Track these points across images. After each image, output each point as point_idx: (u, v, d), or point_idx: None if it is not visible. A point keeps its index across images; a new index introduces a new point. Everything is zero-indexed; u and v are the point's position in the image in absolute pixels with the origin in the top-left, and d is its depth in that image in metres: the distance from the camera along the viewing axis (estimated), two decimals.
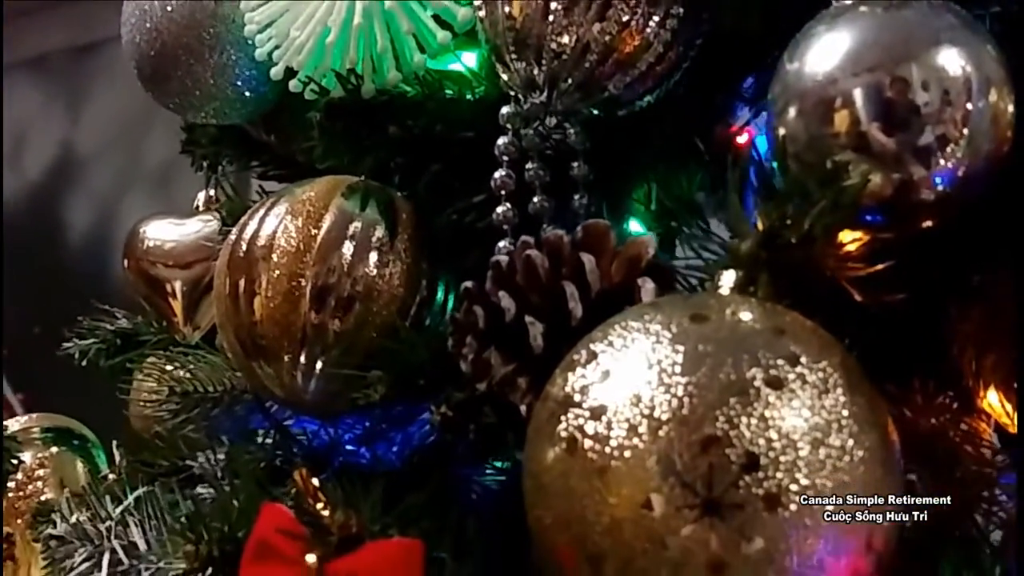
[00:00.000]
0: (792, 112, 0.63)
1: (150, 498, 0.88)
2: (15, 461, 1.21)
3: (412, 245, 0.83)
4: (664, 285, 0.68)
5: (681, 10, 0.74)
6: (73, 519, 0.89)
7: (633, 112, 0.79)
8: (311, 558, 0.66)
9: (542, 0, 0.73)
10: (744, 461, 0.50)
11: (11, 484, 1.19)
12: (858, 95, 0.61)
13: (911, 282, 0.64)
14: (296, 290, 0.81)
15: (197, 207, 1.24)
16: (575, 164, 0.80)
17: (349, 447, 0.87)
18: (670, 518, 0.50)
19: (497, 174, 0.78)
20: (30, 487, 1.19)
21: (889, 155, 0.60)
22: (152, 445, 0.94)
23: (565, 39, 0.73)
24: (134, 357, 1.16)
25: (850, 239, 0.62)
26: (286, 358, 0.82)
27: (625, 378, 0.53)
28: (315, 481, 0.68)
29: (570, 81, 0.75)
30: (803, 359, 0.52)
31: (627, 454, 0.51)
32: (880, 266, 0.62)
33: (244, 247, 0.83)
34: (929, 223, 0.63)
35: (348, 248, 0.81)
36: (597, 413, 0.53)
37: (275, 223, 0.83)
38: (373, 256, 0.82)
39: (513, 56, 0.75)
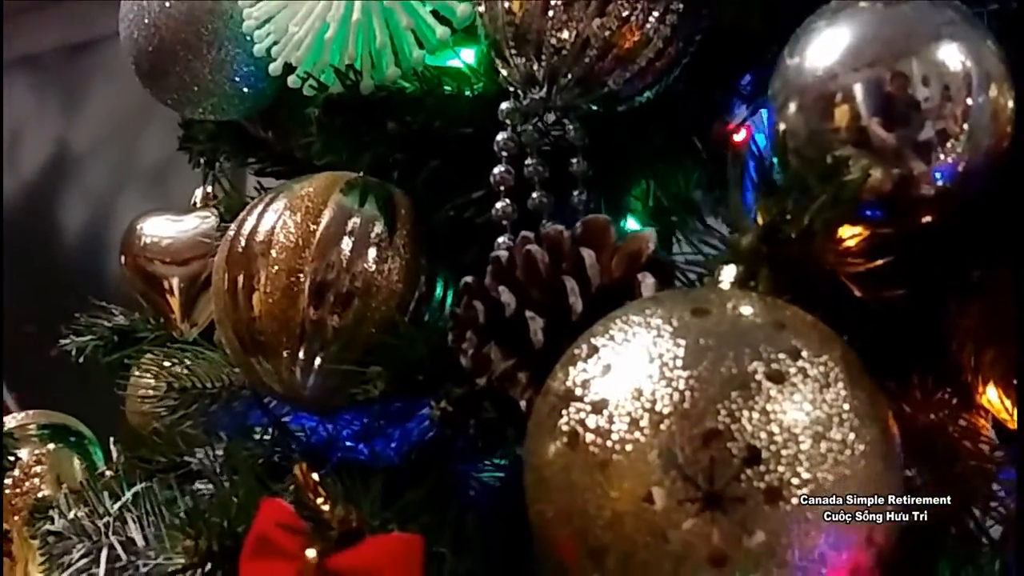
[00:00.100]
0: (792, 107, 0.63)
1: (148, 494, 0.88)
2: (12, 458, 1.21)
3: (411, 241, 0.83)
4: (664, 280, 0.68)
5: (680, 6, 0.74)
6: (71, 515, 0.89)
7: (632, 108, 0.79)
8: (311, 553, 0.66)
9: None
10: (745, 455, 0.50)
11: (8, 481, 1.19)
12: (858, 90, 0.61)
13: (911, 277, 0.64)
14: (295, 286, 0.81)
15: (194, 204, 1.23)
16: (574, 160, 0.80)
17: (347, 443, 0.87)
18: (671, 512, 0.50)
19: (496, 170, 0.78)
20: (27, 484, 1.19)
21: (889, 150, 0.60)
22: (150, 441, 0.94)
23: (565, 34, 0.73)
24: (132, 354, 1.16)
25: (850, 234, 0.62)
26: (285, 354, 0.82)
27: (626, 372, 0.53)
28: (315, 476, 0.68)
29: (570, 76, 0.75)
30: (804, 353, 0.53)
31: (628, 448, 0.51)
32: (880, 261, 0.62)
33: (243, 243, 0.83)
34: (929, 218, 0.63)
35: (347, 244, 0.81)
36: (598, 407, 0.53)
37: (274, 219, 0.83)
38: (372, 252, 0.82)
39: (513, 51, 0.75)
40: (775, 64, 0.66)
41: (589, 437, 0.52)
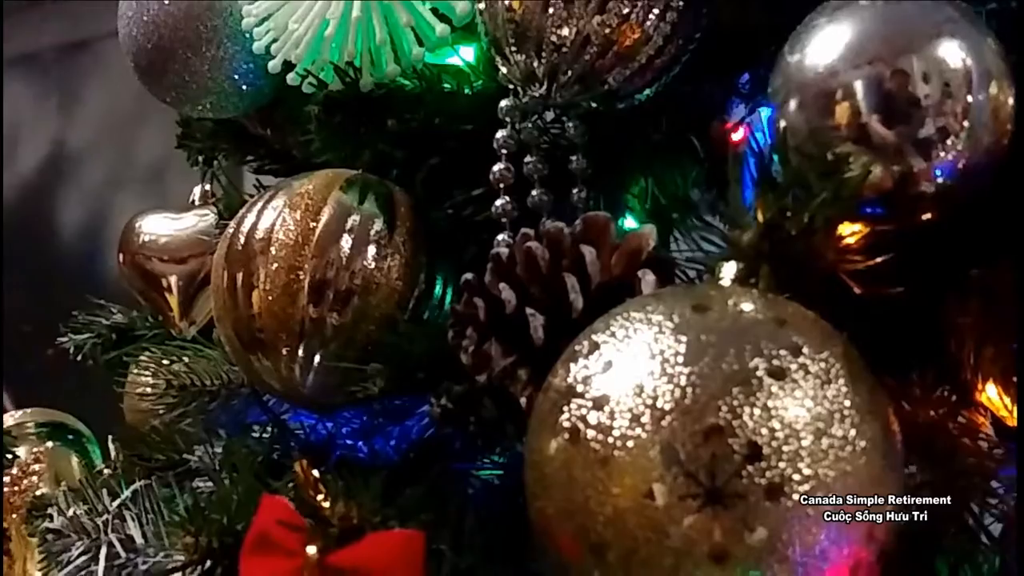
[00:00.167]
0: (793, 104, 0.63)
1: (147, 492, 0.87)
2: (10, 456, 1.20)
3: (410, 238, 0.83)
4: (664, 278, 0.68)
5: (680, 4, 0.74)
6: (70, 513, 0.89)
7: (631, 106, 0.79)
8: (311, 549, 0.66)
9: None
10: (747, 451, 0.50)
11: (6, 479, 1.18)
12: (859, 87, 0.61)
13: (911, 274, 0.64)
14: (294, 283, 0.81)
15: (193, 202, 1.23)
16: (574, 158, 0.80)
17: (347, 441, 0.87)
18: (673, 508, 0.50)
19: (496, 167, 0.78)
20: (25, 482, 1.19)
21: (889, 147, 0.61)
22: (149, 439, 0.93)
23: (565, 32, 0.73)
24: (130, 352, 1.16)
25: (850, 231, 0.62)
26: (284, 351, 0.82)
27: (627, 368, 0.53)
28: (315, 473, 0.68)
29: (570, 74, 0.75)
30: (805, 349, 0.53)
31: (630, 444, 0.51)
32: (880, 258, 0.62)
33: (242, 240, 0.83)
34: (929, 215, 0.63)
35: (346, 241, 0.81)
36: (599, 403, 0.53)
37: (273, 216, 0.83)
38: (371, 249, 0.82)
39: (513, 49, 0.75)
40: (774, 62, 0.66)
41: (590, 433, 0.52)
